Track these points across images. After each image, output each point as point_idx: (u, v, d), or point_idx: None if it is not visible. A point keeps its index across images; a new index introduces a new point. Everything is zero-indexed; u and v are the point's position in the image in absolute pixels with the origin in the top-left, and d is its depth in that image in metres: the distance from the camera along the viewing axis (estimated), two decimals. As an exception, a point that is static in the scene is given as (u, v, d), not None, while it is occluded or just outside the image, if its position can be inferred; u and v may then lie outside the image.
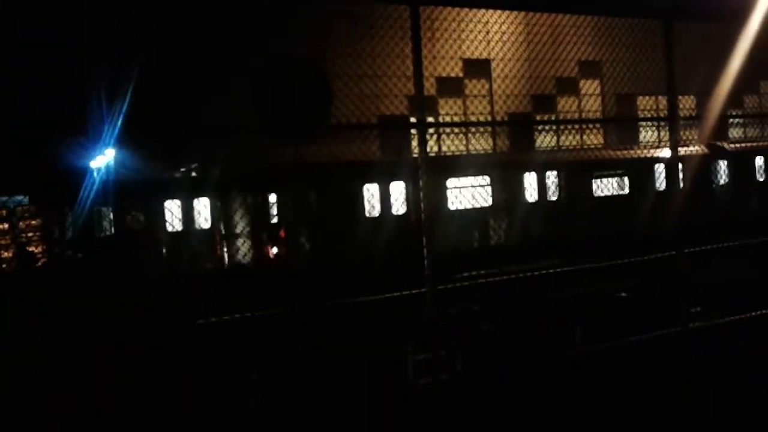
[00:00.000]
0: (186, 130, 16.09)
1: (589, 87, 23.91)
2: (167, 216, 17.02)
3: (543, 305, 11.44)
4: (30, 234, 21.66)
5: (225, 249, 17.04)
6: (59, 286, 15.67)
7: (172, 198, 16.87)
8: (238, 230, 16.92)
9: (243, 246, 16.92)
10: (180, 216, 17.10)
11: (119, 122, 16.87)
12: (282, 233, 16.71)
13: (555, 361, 7.73)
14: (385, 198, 18.80)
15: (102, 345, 9.37)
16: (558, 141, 22.34)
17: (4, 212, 21.20)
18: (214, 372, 8.21)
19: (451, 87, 21.27)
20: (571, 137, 22.10)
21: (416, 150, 18.23)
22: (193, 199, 17.12)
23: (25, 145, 18.57)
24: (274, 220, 17.19)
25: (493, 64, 22.06)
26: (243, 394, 7.50)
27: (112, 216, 18.59)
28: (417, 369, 7.65)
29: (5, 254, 21.25)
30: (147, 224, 17.26)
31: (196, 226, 17.66)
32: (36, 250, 21.79)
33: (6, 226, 21.37)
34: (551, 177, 20.04)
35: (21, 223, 20.79)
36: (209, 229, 17.47)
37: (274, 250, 16.50)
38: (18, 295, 14.70)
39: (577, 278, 13.41)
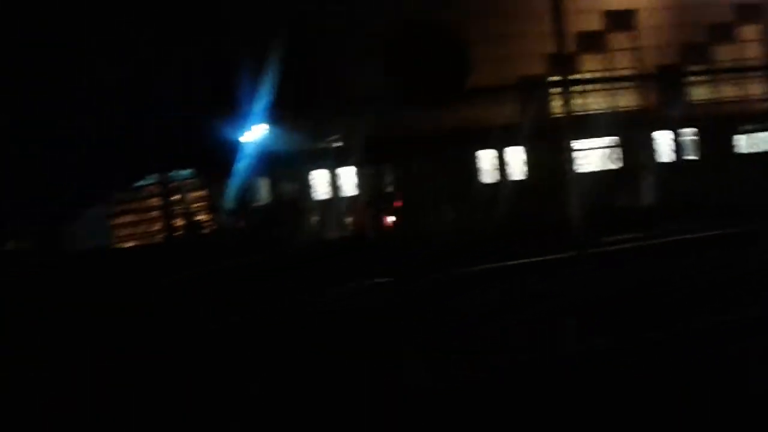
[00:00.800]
0: (330, 103, 16.85)
1: (749, 33, 22.16)
2: (314, 185, 17.99)
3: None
4: (196, 205, 23.69)
5: (364, 217, 17.64)
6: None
7: (319, 168, 17.77)
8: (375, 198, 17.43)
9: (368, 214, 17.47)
10: (324, 185, 17.98)
11: (270, 98, 17.98)
12: (399, 202, 16.98)
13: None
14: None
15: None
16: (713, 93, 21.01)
17: (175, 186, 23.33)
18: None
19: (592, 42, 20.58)
20: (729, 89, 20.69)
21: (557, 109, 17.86)
22: (335, 168, 17.89)
23: (188, 124, 20.27)
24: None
25: (638, 15, 21.03)
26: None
27: (266, 186, 19.90)
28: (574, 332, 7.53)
29: (178, 223, 23.40)
30: (298, 193, 18.33)
31: (337, 195, 18.47)
32: (202, 219, 23.81)
33: (177, 197, 23.49)
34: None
35: (188, 195, 22.79)
36: (347, 198, 18.18)
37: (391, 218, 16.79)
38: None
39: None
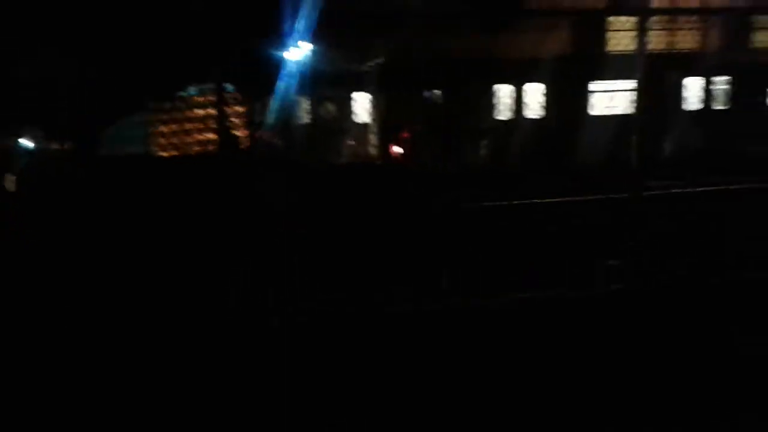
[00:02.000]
0: (373, 22, 16.26)
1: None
2: (354, 107, 17.60)
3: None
4: (236, 119, 23.55)
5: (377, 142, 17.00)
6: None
7: (359, 90, 17.29)
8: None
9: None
10: (364, 109, 17.48)
11: (314, 16, 17.47)
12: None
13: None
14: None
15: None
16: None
17: (213, 98, 23.10)
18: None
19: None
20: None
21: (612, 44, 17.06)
22: (379, 93, 17.34)
23: (228, 38, 19.91)
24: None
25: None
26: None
27: (306, 105, 19.60)
28: (608, 274, 7.55)
29: (215, 136, 23.31)
30: (337, 113, 17.99)
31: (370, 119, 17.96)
32: (239, 134, 23.70)
33: (214, 111, 23.30)
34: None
35: (227, 109, 22.58)
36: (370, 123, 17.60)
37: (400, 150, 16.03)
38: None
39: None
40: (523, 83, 17.43)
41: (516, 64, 16.61)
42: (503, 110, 17.48)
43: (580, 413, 4.75)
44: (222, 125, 22.40)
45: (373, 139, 17.02)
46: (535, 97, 17.66)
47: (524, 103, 17.72)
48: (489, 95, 17.27)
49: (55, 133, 24.47)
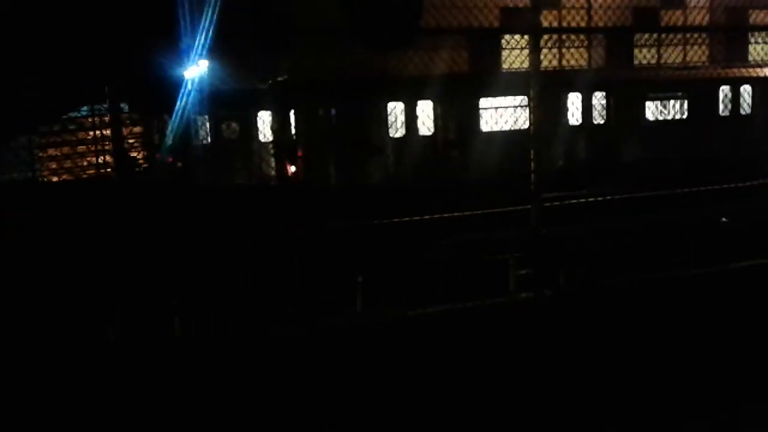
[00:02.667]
0: (273, 37, 16.13)
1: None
2: (259, 126, 17.44)
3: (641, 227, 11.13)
4: (131, 140, 22.75)
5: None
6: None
7: (263, 109, 17.17)
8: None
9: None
10: (268, 127, 17.40)
11: (211, 32, 17.17)
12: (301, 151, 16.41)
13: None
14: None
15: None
16: (659, 57, 21.22)
17: (105, 119, 22.27)
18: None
19: (545, -1, 20.51)
20: (672, 53, 20.92)
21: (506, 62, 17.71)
22: (275, 110, 17.27)
23: (124, 55, 19.27)
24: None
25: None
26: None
27: (207, 124, 19.23)
28: (519, 283, 7.71)
29: (108, 159, 22.45)
30: (241, 133, 17.76)
31: (281, 137, 17.95)
32: (137, 156, 22.92)
33: (108, 132, 22.45)
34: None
35: (123, 129, 21.82)
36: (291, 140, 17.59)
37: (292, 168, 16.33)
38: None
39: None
40: (415, 100, 17.80)
41: (409, 82, 16.95)
42: (396, 127, 17.80)
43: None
44: (117, 146, 21.63)
45: (269, 158, 16.92)
46: (427, 114, 18.08)
47: (417, 119, 18.09)
48: (381, 112, 17.54)
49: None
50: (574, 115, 19.38)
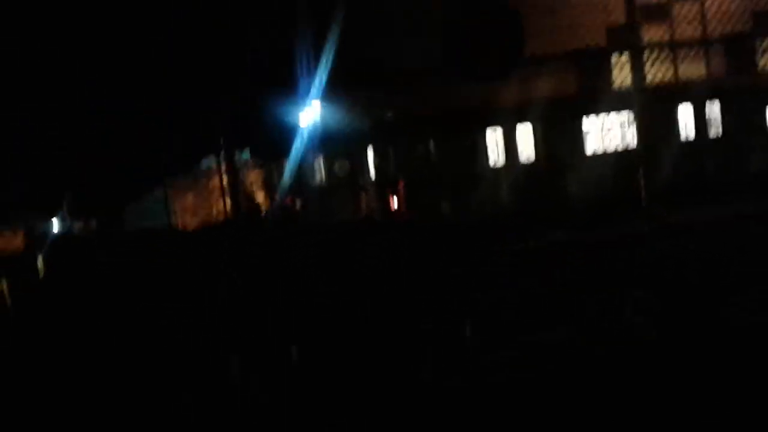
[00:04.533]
0: (379, 80, 16.63)
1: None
2: (369, 163, 17.89)
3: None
4: (253, 186, 24.05)
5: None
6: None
7: (366, 145, 17.60)
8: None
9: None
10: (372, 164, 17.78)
11: (323, 79, 17.97)
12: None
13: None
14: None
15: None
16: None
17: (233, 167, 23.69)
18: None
19: (655, 12, 19.78)
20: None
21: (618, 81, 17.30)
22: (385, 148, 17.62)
23: (244, 105, 20.52)
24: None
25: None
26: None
27: (319, 164, 19.97)
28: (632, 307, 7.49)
29: (237, 203, 23.80)
30: (350, 171, 18.30)
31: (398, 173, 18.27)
32: (260, 200, 24.16)
33: (236, 179, 23.86)
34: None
35: (244, 175, 23.14)
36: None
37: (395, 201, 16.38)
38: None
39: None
40: (514, 127, 17.67)
41: (508, 110, 16.87)
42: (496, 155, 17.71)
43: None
44: (240, 191, 22.89)
45: (376, 193, 17.27)
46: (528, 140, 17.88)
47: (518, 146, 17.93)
48: (481, 141, 17.48)
49: (80, 213, 25.15)
50: (687, 126, 18.51)
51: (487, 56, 17.30)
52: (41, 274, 16.38)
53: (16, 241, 22.51)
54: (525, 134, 17.90)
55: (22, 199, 22.54)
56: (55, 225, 26.53)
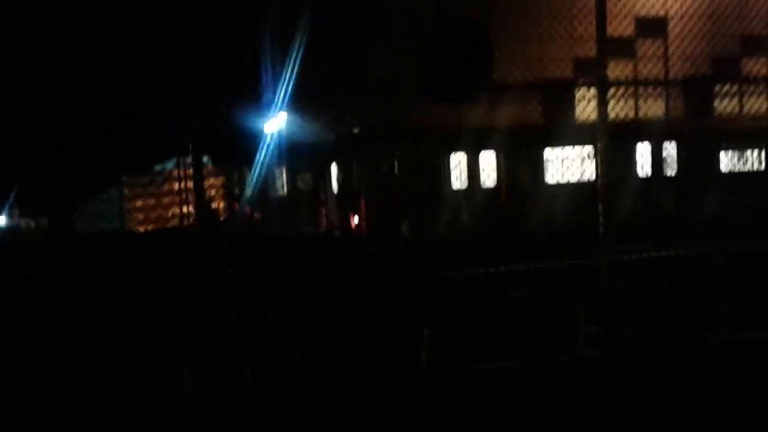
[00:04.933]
0: (347, 93, 16.64)
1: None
2: (333, 176, 17.86)
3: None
4: (213, 192, 23.71)
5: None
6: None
7: (330, 160, 17.58)
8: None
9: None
10: (336, 177, 17.75)
11: (289, 88, 17.87)
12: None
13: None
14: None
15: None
16: (741, 107, 20.59)
17: (189, 172, 23.34)
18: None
19: (620, 48, 20.26)
20: (755, 102, 20.29)
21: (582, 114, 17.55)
22: (348, 163, 17.61)
23: (206, 110, 20.27)
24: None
25: (670, 23, 20.68)
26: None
27: (281, 175, 19.82)
28: (586, 339, 7.56)
29: (190, 209, 23.44)
30: (312, 185, 18.22)
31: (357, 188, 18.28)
32: (217, 206, 23.81)
33: (191, 184, 23.49)
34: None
35: (205, 181, 22.77)
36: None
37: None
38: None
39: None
40: (478, 152, 17.85)
41: (473, 134, 17.04)
42: (458, 178, 17.86)
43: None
44: (199, 197, 22.54)
45: (335, 208, 17.25)
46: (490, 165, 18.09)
47: (480, 171, 18.12)
48: (444, 163, 17.63)
49: (31, 210, 24.45)
50: (644, 166, 18.98)
51: (456, 79, 17.47)
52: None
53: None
54: (488, 159, 18.12)
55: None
56: (1, 221, 25.68)
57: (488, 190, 17.84)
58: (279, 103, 18.33)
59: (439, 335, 7.85)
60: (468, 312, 9.09)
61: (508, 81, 18.01)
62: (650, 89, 20.30)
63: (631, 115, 20.28)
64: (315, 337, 7.94)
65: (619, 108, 19.53)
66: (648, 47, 20.66)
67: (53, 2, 19.97)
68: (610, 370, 6.72)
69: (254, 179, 20.00)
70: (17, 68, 20.45)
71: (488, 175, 18.11)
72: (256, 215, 21.14)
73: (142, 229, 24.53)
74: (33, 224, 25.27)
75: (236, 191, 22.09)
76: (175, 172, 23.66)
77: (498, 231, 16.09)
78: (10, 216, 25.88)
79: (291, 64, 17.40)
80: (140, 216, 25.28)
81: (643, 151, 20.19)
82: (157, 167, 24.83)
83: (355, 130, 16.87)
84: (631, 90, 20.09)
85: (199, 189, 21.46)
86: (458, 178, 17.84)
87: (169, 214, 24.30)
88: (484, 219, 16.82)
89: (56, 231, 23.21)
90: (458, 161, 17.80)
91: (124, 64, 20.83)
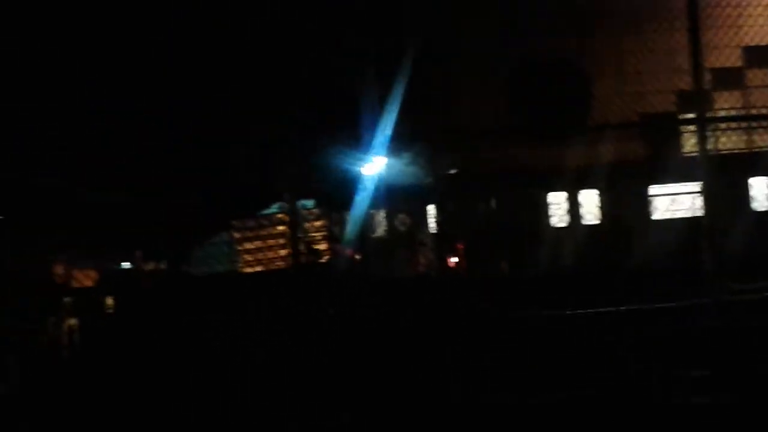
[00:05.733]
0: (444, 135, 16.85)
1: None
2: (430, 217, 18.00)
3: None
4: (315, 234, 24.36)
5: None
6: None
7: (432, 203, 17.76)
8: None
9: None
10: (431, 220, 17.86)
11: (388, 131, 18.28)
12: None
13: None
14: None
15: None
16: None
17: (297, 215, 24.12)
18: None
19: (728, 79, 19.48)
20: None
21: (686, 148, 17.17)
22: (445, 204, 17.72)
23: (307, 154, 20.98)
24: None
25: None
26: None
27: (382, 218, 20.17)
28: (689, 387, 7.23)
29: (300, 251, 24.16)
30: (410, 226, 18.43)
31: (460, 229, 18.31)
32: (321, 248, 24.43)
33: (299, 227, 24.27)
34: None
35: (306, 224, 23.47)
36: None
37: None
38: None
39: None
40: (578, 189, 17.53)
41: (572, 171, 16.78)
42: (557, 216, 17.54)
43: None
44: (302, 240, 23.23)
45: (434, 250, 17.33)
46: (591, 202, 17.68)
47: (581, 208, 17.75)
48: (543, 201, 17.40)
49: (151, 255, 25.96)
50: (759, 198, 18.00)
51: (551, 118, 17.36)
52: (111, 312, 16.97)
53: (87, 281, 23.37)
54: (588, 196, 17.77)
55: (101, 241, 23.44)
56: (126, 266, 27.41)
57: (589, 227, 17.48)
58: (377, 147, 18.78)
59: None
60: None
61: (608, 119, 17.71)
62: (762, 120, 19.33)
63: (743, 146, 19.37)
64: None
65: (729, 141, 18.76)
66: (758, 74, 19.75)
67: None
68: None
69: (354, 221, 20.47)
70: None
71: (589, 212, 17.74)
72: (357, 256, 21.52)
73: (249, 270, 25.44)
74: (152, 266, 26.83)
75: (337, 233, 22.62)
76: (279, 216, 24.49)
77: (600, 269, 15.69)
78: (132, 260, 27.52)
79: (388, 108, 17.86)
80: (248, 257, 26.25)
81: (758, 184, 19.19)
82: (264, 211, 25.79)
83: (452, 171, 17.00)
84: (741, 122, 19.21)
85: (296, 232, 22.14)
86: (558, 216, 17.58)
87: (274, 255, 25.10)
88: (585, 257, 16.47)
89: (175, 272, 24.50)
90: (558, 199, 17.56)
91: (231, 121, 21.92)
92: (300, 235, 23.94)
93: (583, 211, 17.50)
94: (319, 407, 7.06)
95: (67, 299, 17.42)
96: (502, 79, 17.48)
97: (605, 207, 17.58)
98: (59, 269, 22.91)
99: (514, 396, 6.97)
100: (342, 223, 22.46)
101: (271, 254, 26.17)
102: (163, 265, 26.19)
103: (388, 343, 10.45)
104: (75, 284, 22.80)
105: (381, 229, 20.38)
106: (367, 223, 20.74)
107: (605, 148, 16.98)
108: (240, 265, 26.24)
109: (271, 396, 7.62)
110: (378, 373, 8.54)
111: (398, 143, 17.80)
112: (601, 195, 17.54)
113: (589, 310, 10.65)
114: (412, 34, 17.26)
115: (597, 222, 17.14)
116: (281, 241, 25.28)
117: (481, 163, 16.46)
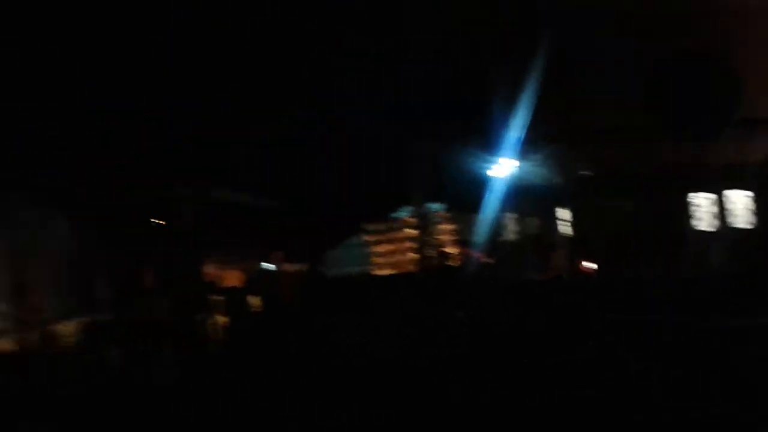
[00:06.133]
0: (578, 134, 16.33)
1: None
2: (561, 220, 17.51)
3: None
4: (444, 237, 24.42)
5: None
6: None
7: (562, 202, 17.23)
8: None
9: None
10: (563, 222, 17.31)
11: (518, 133, 17.95)
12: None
13: None
14: None
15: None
16: None
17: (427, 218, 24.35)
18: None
19: None
20: None
21: None
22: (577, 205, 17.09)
23: (436, 157, 21.05)
24: None
25: None
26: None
27: (512, 221, 19.87)
28: None
29: (430, 254, 24.36)
30: (541, 227, 18.03)
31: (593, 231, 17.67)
32: (451, 252, 24.45)
33: (429, 229, 24.48)
34: None
35: (435, 227, 23.61)
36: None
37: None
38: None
39: None
40: (725, 190, 16.33)
41: (719, 172, 15.67)
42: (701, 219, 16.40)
43: None
44: (431, 243, 23.33)
45: (566, 252, 16.79)
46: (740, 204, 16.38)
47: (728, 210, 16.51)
48: (683, 203, 16.34)
49: (289, 257, 27.06)
50: None
51: (697, 115, 16.35)
52: (254, 310, 17.87)
53: (233, 280, 24.68)
54: (737, 197, 16.55)
55: (248, 243, 24.73)
56: (267, 266, 28.65)
57: (739, 231, 16.29)
58: (507, 149, 18.50)
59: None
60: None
61: (759, 114, 16.45)
62: None
63: None
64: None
65: None
66: None
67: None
68: None
69: (483, 224, 20.27)
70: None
71: (737, 214, 16.53)
72: (487, 260, 21.30)
73: (380, 272, 25.91)
74: (291, 267, 28.02)
75: (466, 236, 22.52)
76: (409, 219, 24.79)
77: (751, 275, 14.58)
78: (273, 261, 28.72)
79: (518, 109, 17.54)
80: (379, 260, 26.71)
81: None
82: (394, 214, 26.19)
83: (585, 172, 16.45)
84: None
85: (425, 235, 22.28)
86: (702, 217, 16.52)
87: (403, 258, 25.40)
88: (735, 262, 15.36)
89: (314, 273, 25.44)
90: (700, 199, 16.50)
91: (363, 128, 22.37)
92: (429, 238, 24.07)
93: (729, 212, 16.35)
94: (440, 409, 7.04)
95: (217, 297, 18.43)
96: (641, 77, 16.69)
97: (759, 209, 16.33)
98: (210, 270, 24.38)
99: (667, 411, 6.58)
100: (471, 225, 22.33)
101: (400, 257, 26.52)
102: (301, 266, 27.16)
103: (517, 346, 10.25)
104: (223, 284, 24.16)
105: (511, 231, 20.05)
106: (497, 226, 20.48)
107: (758, 146, 15.80)
108: (371, 266, 26.78)
109: (399, 398, 7.69)
110: (506, 374, 8.37)
111: (528, 144, 17.44)
112: (753, 196, 16.32)
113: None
114: (545, 35, 16.87)
115: (747, 226, 15.96)
116: (410, 244, 25.57)
117: (615, 164, 15.76)
